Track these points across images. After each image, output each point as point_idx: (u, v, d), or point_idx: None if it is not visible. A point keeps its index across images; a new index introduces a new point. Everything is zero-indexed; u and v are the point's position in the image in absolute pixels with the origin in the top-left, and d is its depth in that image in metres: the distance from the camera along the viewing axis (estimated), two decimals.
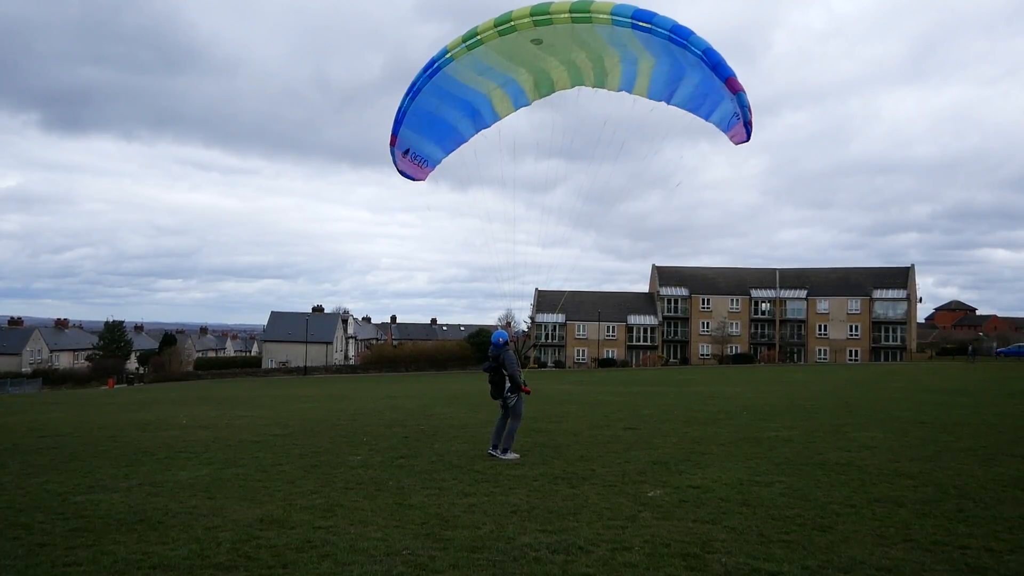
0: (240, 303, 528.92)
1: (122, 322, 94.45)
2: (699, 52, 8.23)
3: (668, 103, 9.51)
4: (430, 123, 10.13)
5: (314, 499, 7.97)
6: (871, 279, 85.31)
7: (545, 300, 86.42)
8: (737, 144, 9.11)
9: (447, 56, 9.32)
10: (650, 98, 9.60)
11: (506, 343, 10.96)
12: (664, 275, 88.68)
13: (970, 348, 71.78)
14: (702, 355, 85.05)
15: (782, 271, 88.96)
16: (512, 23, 8.80)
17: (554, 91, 10.19)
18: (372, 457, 10.93)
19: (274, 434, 14.31)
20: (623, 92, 9.75)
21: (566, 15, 8.53)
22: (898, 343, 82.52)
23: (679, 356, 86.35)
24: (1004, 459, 10.30)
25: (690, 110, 9.41)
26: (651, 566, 5.58)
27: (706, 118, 9.28)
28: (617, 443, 12.25)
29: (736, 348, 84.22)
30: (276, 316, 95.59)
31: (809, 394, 24.87)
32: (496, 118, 10.42)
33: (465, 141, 10.60)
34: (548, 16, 8.61)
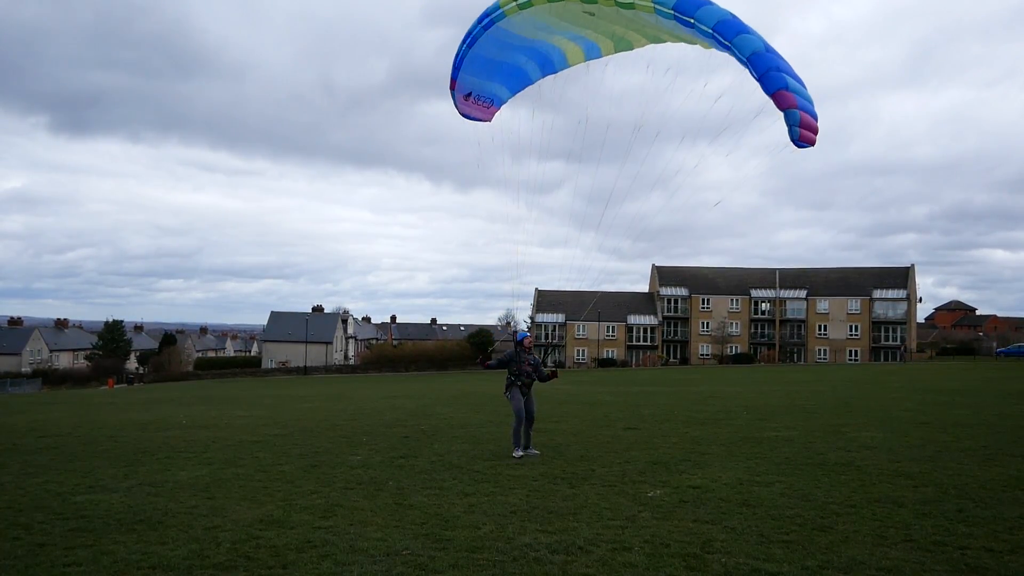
0: (241, 303, 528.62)
1: (121, 322, 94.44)
2: (743, 59, 7.26)
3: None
4: (493, 67, 10.06)
5: (314, 499, 7.97)
6: (871, 279, 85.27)
7: (545, 300, 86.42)
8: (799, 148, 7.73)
9: (500, 10, 9.06)
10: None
11: (519, 343, 11.09)
12: (664, 275, 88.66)
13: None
14: (702, 355, 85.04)
15: (782, 271, 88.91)
16: None
17: (632, 48, 9.59)
18: (372, 457, 10.93)
19: (274, 434, 14.31)
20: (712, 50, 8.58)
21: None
22: (898, 343, 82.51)
23: (679, 356, 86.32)
24: (1004, 459, 10.29)
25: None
26: (651, 566, 5.58)
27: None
28: (617, 443, 12.24)
29: (736, 348, 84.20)
30: (276, 316, 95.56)
31: (809, 394, 24.87)
32: (566, 65, 10.17)
33: (532, 83, 10.44)
34: None
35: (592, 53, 9.97)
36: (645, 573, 5.45)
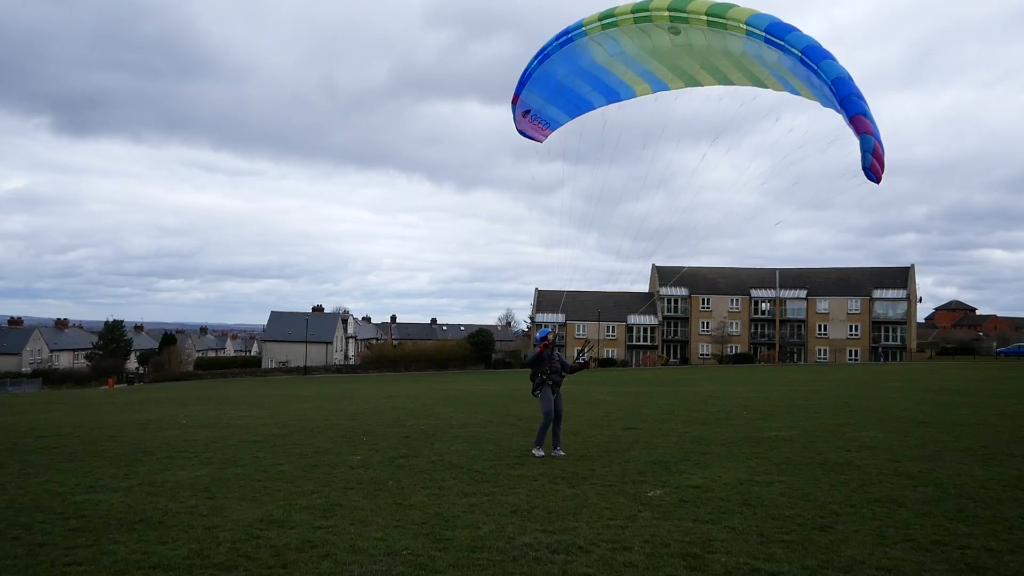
0: (241, 303, 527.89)
1: (122, 322, 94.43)
2: (828, 81, 7.37)
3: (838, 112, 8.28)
4: (557, 89, 9.96)
5: (314, 499, 7.97)
6: (871, 279, 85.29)
7: (545, 300, 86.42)
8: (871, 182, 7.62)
9: (581, 29, 9.02)
10: (821, 104, 8.43)
11: (542, 340, 11.00)
12: (664, 275, 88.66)
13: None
14: (702, 355, 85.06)
15: (782, 271, 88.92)
16: (648, 13, 8.34)
17: (699, 85, 9.57)
18: (372, 457, 10.93)
19: (274, 434, 14.31)
20: (785, 93, 8.86)
21: (702, 16, 7.91)
22: (898, 343, 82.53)
23: (679, 356, 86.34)
24: (1004, 459, 10.30)
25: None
26: (651, 566, 5.58)
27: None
28: (617, 443, 12.25)
29: (736, 348, 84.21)
30: (276, 316, 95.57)
31: (809, 394, 24.88)
32: (632, 94, 10.08)
33: (594, 108, 10.38)
34: (684, 14, 8.05)
35: (659, 87, 9.86)
36: (645, 573, 5.45)
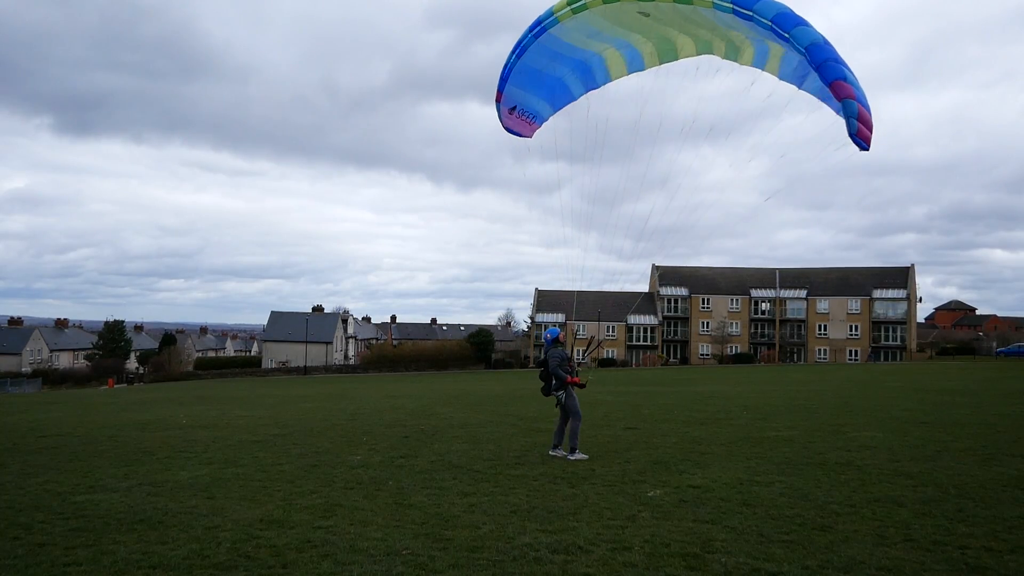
0: (241, 303, 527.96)
1: (122, 322, 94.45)
2: (802, 49, 7.20)
3: (799, 88, 8.40)
4: (538, 80, 9.91)
5: (314, 499, 7.97)
6: (871, 279, 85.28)
7: (545, 300, 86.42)
8: (861, 151, 7.49)
9: (552, 16, 9.01)
10: (780, 79, 8.54)
11: (555, 339, 10.91)
12: (664, 275, 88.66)
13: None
14: (702, 355, 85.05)
15: (782, 271, 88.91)
16: None
17: (678, 58, 9.48)
18: (372, 457, 10.93)
19: (274, 434, 14.31)
20: (755, 69, 8.78)
21: None
22: (898, 343, 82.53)
23: (679, 356, 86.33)
24: (1004, 459, 10.30)
25: (821, 99, 8.13)
26: (651, 566, 5.58)
27: (837, 112, 7.76)
28: (617, 443, 12.25)
29: (736, 348, 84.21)
30: (276, 316, 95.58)
31: (809, 394, 24.87)
32: (608, 79, 10.02)
33: (574, 99, 10.31)
34: None
35: (635, 63, 9.79)
36: (645, 573, 5.45)
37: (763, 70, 8.71)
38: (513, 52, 9.69)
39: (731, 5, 7.40)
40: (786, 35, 7.16)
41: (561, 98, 10.31)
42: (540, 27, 9.20)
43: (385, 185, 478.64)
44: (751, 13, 7.26)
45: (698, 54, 9.34)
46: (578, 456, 10.45)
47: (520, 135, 10.62)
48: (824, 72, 7.12)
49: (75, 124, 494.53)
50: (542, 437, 12.99)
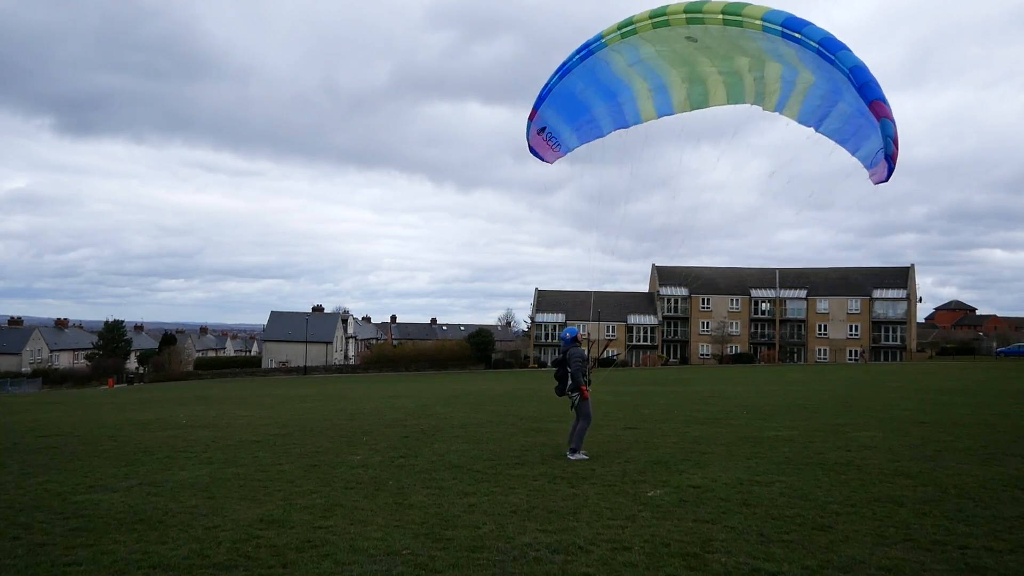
0: (241, 303, 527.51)
1: (122, 322, 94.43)
2: (846, 69, 7.51)
3: (816, 130, 8.69)
4: (574, 108, 9.89)
5: (314, 499, 7.97)
6: (871, 279, 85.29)
7: (545, 300, 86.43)
8: (875, 184, 7.98)
9: (601, 40, 9.03)
10: (799, 123, 8.85)
11: (574, 339, 10.89)
12: (664, 275, 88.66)
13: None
14: (702, 355, 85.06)
15: (782, 271, 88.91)
16: (666, 16, 8.37)
17: (707, 105, 9.64)
18: (372, 457, 10.93)
19: (274, 434, 14.31)
20: (775, 113, 9.06)
21: (718, 15, 8.01)
22: (898, 343, 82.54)
23: (679, 356, 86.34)
24: (1004, 459, 10.30)
25: (838, 141, 8.48)
26: (651, 566, 5.58)
27: (853, 153, 8.30)
28: (617, 443, 12.25)
29: (736, 348, 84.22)
30: (276, 316, 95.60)
31: (809, 394, 24.88)
32: (637, 121, 10.06)
33: (602, 136, 10.29)
34: (701, 15, 8.14)
35: (664, 107, 9.85)
36: (645, 573, 5.45)
37: (782, 113, 8.97)
38: (556, 73, 9.61)
39: (780, 28, 7.70)
40: (832, 56, 7.55)
41: (590, 132, 10.27)
42: (587, 50, 9.19)
43: (385, 185, 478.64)
44: (800, 36, 7.62)
45: (728, 102, 9.53)
46: (578, 456, 10.46)
47: (542, 159, 10.51)
48: (866, 92, 7.46)
49: (76, 124, 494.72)
50: (542, 437, 12.99)
